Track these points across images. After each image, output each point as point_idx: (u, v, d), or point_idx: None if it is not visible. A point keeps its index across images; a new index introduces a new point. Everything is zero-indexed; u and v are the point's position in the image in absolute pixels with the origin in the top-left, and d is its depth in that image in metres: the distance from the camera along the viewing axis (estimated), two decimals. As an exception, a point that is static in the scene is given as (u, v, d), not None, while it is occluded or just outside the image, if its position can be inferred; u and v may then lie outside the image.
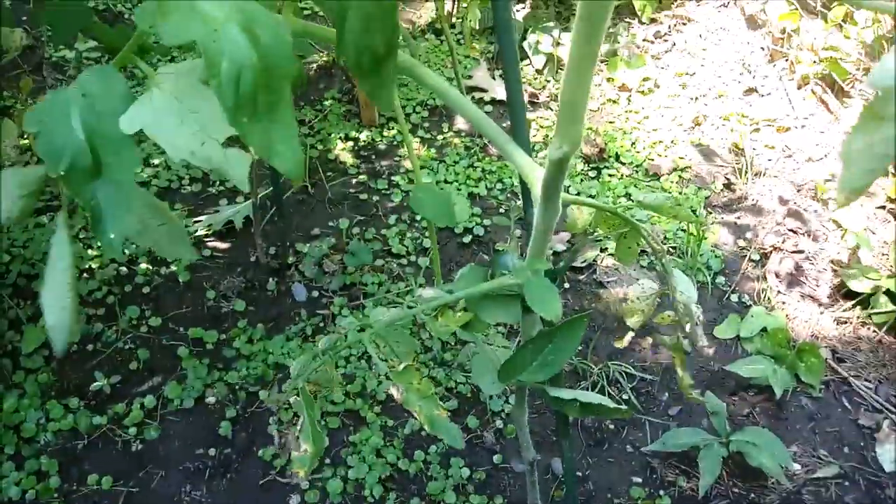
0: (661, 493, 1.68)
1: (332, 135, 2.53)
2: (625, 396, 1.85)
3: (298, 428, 1.09)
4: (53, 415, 1.75)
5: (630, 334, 1.32)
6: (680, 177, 2.42)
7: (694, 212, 2.29)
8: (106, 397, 1.80)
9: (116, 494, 1.64)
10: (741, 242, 2.22)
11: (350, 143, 2.52)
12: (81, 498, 1.63)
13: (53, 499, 1.63)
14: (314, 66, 2.78)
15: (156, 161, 2.39)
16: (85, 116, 0.72)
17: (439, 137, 2.55)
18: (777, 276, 2.09)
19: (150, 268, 2.10)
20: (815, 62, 2.64)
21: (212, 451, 1.72)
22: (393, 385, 1.02)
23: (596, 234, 1.15)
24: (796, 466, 1.71)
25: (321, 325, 1.98)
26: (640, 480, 1.70)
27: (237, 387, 1.83)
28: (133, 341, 1.92)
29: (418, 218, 2.28)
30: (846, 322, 1.99)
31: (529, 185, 0.92)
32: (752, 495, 1.67)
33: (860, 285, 1.98)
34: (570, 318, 0.95)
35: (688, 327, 1.00)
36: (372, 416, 1.78)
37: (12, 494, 1.62)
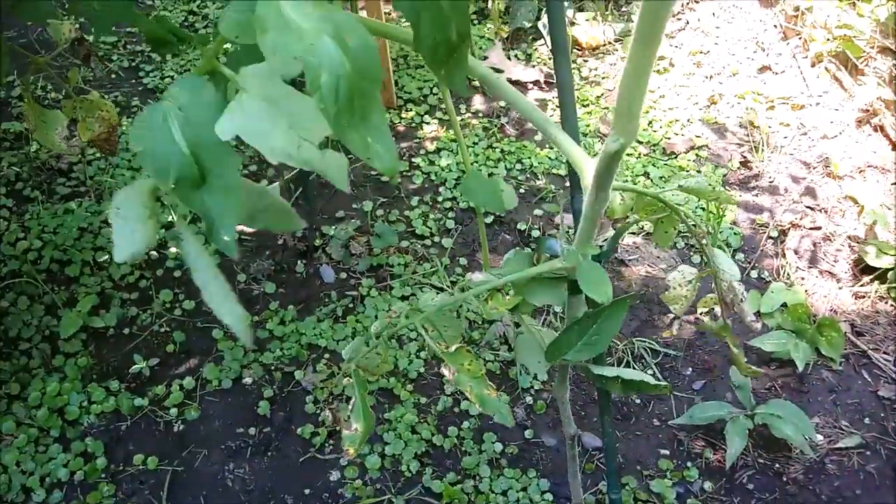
0: (689, 464, 1.73)
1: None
2: (650, 372, 1.90)
3: (349, 408, 1.13)
4: (95, 397, 1.80)
5: (677, 323, 1.36)
6: (697, 155, 2.46)
7: (713, 189, 2.33)
8: (145, 379, 1.85)
9: (162, 474, 1.69)
10: (759, 220, 2.26)
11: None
12: (128, 478, 1.68)
13: (101, 479, 1.68)
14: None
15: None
16: (184, 129, 0.75)
17: (458, 118, 2.58)
18: (796, 252, 2.13)
19: (181, 252, 2.13)
20: (828, 40, 2.66)
21: (252, 430, 1.77)
22: (444, 366, 1.07)
23: (631, 218, 1.18)
24: (819, 437, 1.76)
25: (350, 306, 2.02)
26: (667, 453, 1.76)
27: (272, 367, 1.88)
28: (168, 324, 1.96)
29: (440, 199, 2.32)
30: (864, 297, 2.04)
31: (580, 173, 0.96)
32: (777, 465, 1.73)
33: (878, 261, 2.02)
34: (614, 299, 0.99)
35: (737, 306, 1.04)
36: (405, 394, 1.83)
37: (61, 476, 1.67)
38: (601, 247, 1.05)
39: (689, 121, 2.58)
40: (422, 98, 2.66)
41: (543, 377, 1.85)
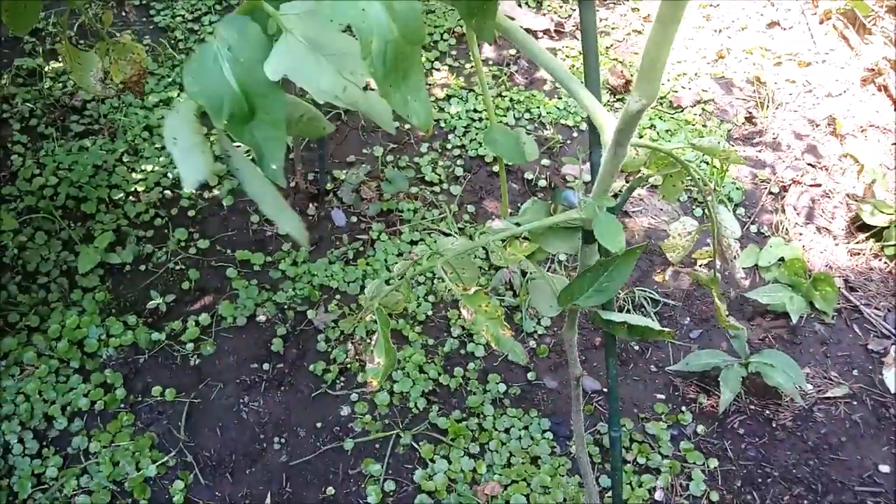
0: (683, 409, 1.81)
1: (363, 62, 2.57)
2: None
3: (373, 344, 1.19)
4: (114, 331, 1.86)
5: (670, 269, 1.42)
6: (703, 109, 2.49)
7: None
8: (162, 315, 1.91)
9: (180, 405, 1.76)
10: (761, 175, 2.31)
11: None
12: (147, 408, 1.75)
13: (120, 409, 1.75)
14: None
15: (191, 86, 2.43)
16: (234, 68, 0.80)
17: (467, 66, 2.60)
18: (795, 209, 2.18)
19: (194, 191, 2.17)
20: (838, -4, 2.67)
21: (265, 366, 1.84)
22: (462, 307, 1.13)
23: (644, 172, 1.23)
24: (809, 387, 1.84)
25: (361, 249, 2.07)
26: (663, 397, 1.84)
27: (285, 306, 1.94)
28: (183, 262, 2.02)
29: (449, 147, 2.35)
30: (859, 254, 2.10)
31: (600, 130, 1.01)
32: (767, 412, 1.81)
33: (874, 219, 2.08)
34: (630, 248, 1.04)
35: (730, 262, 1.10)
36: (414, 336, 1.90)
37: (82, 405, 1.74)
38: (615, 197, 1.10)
39: (696, 74, 2.60)
40: (432, 44, 2.67)
41: (551, 317, 1.92)
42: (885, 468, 1.72)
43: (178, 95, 2.40)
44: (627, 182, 1.54)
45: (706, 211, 1.19)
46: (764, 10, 2.81)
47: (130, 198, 2.14)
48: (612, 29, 2.78)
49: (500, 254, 1.16)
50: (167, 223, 2.09)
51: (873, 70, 2.53)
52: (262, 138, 0.82)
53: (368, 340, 1.87)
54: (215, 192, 2.18)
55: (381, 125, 0.80)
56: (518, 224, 1.13)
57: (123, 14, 1.24)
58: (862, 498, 1.67)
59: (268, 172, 0.82)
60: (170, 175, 2.19)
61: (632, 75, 2.53)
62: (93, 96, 2.28)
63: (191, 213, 2.12)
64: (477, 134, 2.38)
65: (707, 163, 2.26)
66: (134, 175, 2.19)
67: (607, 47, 2.70)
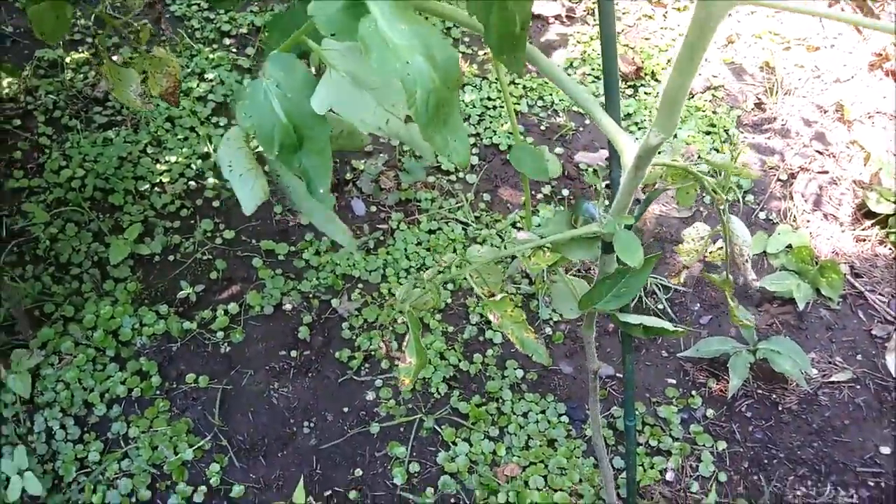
0: (693, 393, 1.89)
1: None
2: (660, 306, 2.04)
3: (405, 344, 1.26)
4: (146, 320, 1.94)
5: (685, 272, 1.49)
6: (713, 95, 2.54)
7: (727, 131, 2.42)
8: (192, 304, 1.99)
9: (213, 391, 1.84)
10: (770, 162, 2.36)
11: None
12: (181, 395, 1.84)
13: (156, 395, 1.83)
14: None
15: (210, 76, 2.49)
16: (282, 103, 0.87)
17: (480, 53, 2.64)
18: (803, 196, 2.24)
19: (218, 182, 2.24)
20: (847, -20, 2.70)
21: (293, 353, 1.91)
22: (489, 311, 1.20)
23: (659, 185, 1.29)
24: (814, 371, 1.92)
25: (381, 238, 2.14)
26: (674, 382, 1.92)
27: (310, 295, 2.01)
28: (210, 252, 2.09)
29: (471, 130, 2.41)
30: (865, 240, 2.16)
31: (620, 154, 1.07)
32: (774, 396, 1.89)
33: (879, 206, 2.14)
34: (648, 256, 1.11)
35: (742, 267, 1.17)
36: (434, 324, 1.97)
37: (119, 392, 1.82)
38: (633, 211, 1.16)
39: (707, 60, 2.64)
40: (444, 31, 2.71)
41: (573, 317, 2.00)
42: (885, 450, 1.80)
43: (198, 85, 2.45)
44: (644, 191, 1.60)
45: (721, 218, 1.26)
46: (773, -6, 2.83)
47: (156, 189, 2.20)
48: (624, 14, 2.82)
49: (525, 263, 1.23)
50: (193, 214, 2.16)
51: (881, 55, 2.57)
52: (310, 166, 0.90)
53: (392, 330, 1.95)
54: (238, 182, 2.24)
55: (422, 155, 0.87)
56: (542, 236, 1.20)
57: (161, 29, 1.29)
58: (863, 478, 1.75)
59: (316, 195, 0.89)
60: (193, 166, 2.26)
61: (643, 61, 2.58)
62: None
63: (215, 203, 2.19)
64: (491, 122, 2.43)
65: (717, 150, 2.32)
66: (158, 166, 2.25)
67: (618, 32, 2.74)
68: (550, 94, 2.52)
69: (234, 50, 2.57)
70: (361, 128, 0.86)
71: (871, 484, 1.74)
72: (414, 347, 1.25)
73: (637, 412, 1.85)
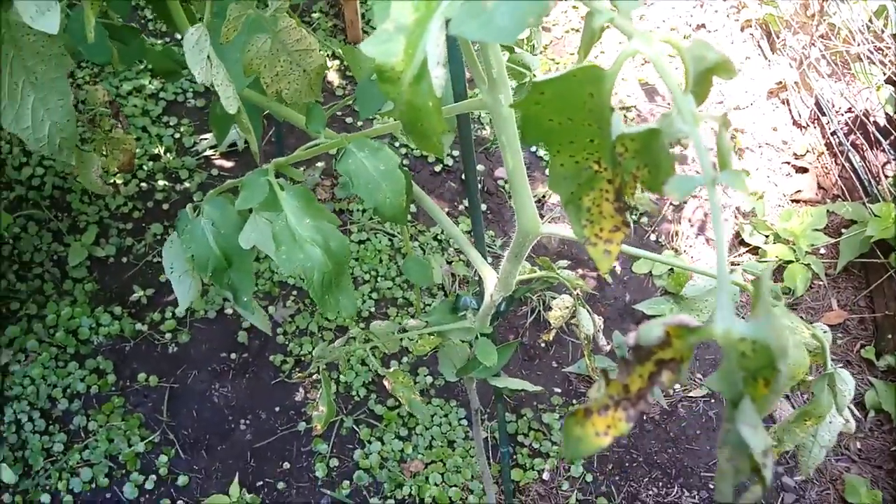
0: (575, 402, 2.24)
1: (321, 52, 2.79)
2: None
3: (319, 395, 1.56)
4: (103, 321, 2.19)
5: (554, 331, 1.80)
6: (625, 116, 2.79)
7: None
8: (143, 306, 2.24)
9: (162, 389, 2.13)
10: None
11: (336, 63, 2.79)
12: (134, 392, 2.12)
13: (112, 392, 2.11)
14: (303, -27, 2.96)
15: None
16: (216, 238, 1.14)
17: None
18: (689, 221, 2.55)
19: (167, 184, 2.45)
20: (760, 4, 2.93)
21: (233, 356, 2.20)
22: (385, 378, 1.50)
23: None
24: (676, 386, 2.27)
25: (315, 246, 2.40)
26: (559, 391, 2.26)
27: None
28: (159, 255, 2.33)
29: (397, 145, 2.64)
30: (738, 265, 2.49)
31: (484, 282, 1.34)
32: (641, 406, 2.24)
33: (751, 238, 2.46)
34: (504, 344, 1.41)
35: (591, 336, 1.49)
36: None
37: (79, 388, 2.09)
38: (498, 312, 1.44)
39: (623, 79, 2.88)
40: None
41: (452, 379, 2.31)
42: (714, 488, 2.18)
43: (150, 82, 2.61)
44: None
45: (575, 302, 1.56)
46: (694, 12, 3.06)
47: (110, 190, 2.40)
48: (553, 25, 3.02)
49: (414, 346, 1.52)
50: (144, 216, 2.38)
51: (780, 83, 2.84)
52: (237, 281, 1.18)
53: (321, 337, 2.23)
54: (186, 184, 2.46)
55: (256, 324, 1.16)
56: (428, 324, 1.49)
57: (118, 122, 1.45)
58: (706, 481, 2.14)
59: (240, 304, 1.18)
60: (145, 167, 2.46)
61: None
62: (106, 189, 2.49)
63: (165, 206, 2.41)
64: (422, 134, 2.66)
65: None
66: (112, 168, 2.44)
67: (545, 45, 2.95)
68: (477, 112, 2.74)
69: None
70: (276, 259, 1.13)
71: (711, 487, 2.13)
72: (326, 399, 1.54)
73: (525, 417, 2.19)
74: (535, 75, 1.27)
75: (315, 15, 2.88)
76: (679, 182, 0.42)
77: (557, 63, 2.88)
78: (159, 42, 2.74)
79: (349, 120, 2.67)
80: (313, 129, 1.12)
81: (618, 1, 0.51)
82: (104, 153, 1.57)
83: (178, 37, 2.79)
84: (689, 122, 0.44)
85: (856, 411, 2.24)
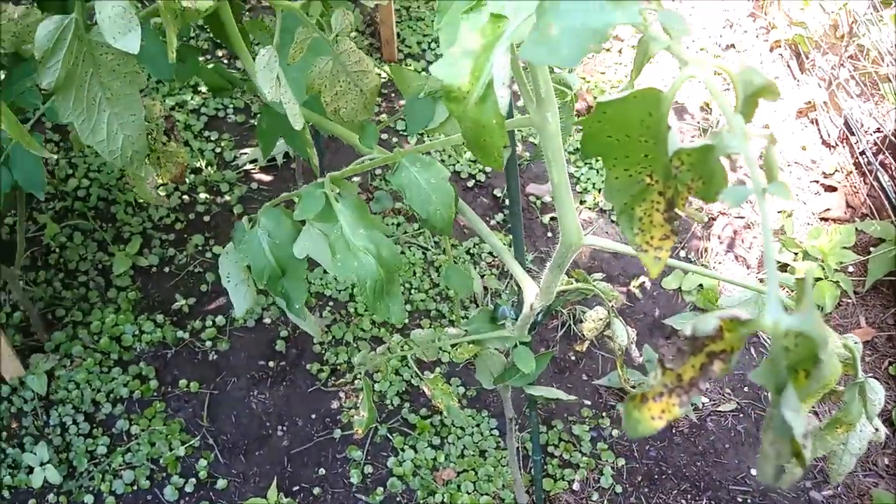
0: (604, 414, 2.27)
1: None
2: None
3: (360, 400, 1.61)
4: (146, 328, 2.26)
5: (587, 342, 1.84)
6: (655, 134, 2.83)
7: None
8: (185, 315, 2.31)
9: (202, 395, 2.19)
10: (696, 203, 2.69)
11: (373, 80, 2.86)
12: (175, 398, 2.18)
13: (154, 397, 2.18)
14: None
15: (203, 88, 2.74)
16: (272, 249, 1.20)
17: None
18: (719, 238, 2.59)
19: (209, 197, 2.53)
20: (789, 25, 2.97)
21: (271, 364, 2.26)
22: (425, 385, 1.55)
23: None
24: (705, 400, 2.30)
25: (351, 259, 2.46)
26: (589, 403, 2.29)
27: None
28: (200, 265, 2.40)
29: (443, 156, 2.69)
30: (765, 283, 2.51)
31: (524, 293, 1.39)
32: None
33: (779, 255, 2.48)
34: (540, 354, 1.45)
35: (625, 348, 1.53)
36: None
37: (122, 393, 2.16)
38: (535, 322, 1.48)
39: (653, 98, 2.92)
40: (420, 53, 2.96)
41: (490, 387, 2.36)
42: (755, 471, 2.20)
43: (192, 98, 2.70)
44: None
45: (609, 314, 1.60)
46: (724, 32, 3.10)
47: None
48: (584, 44, 3.07)
49: (453, 353, 1.57)
50: (186, 227, 2.46)
51: (809, 103, 2.87)
52: (290, 289, 1.24)
53: (356, 348, 2.29)
54: (227, 197, 2.53)
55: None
56: (467, 332, 1.54)
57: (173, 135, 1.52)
58: (734, 495, 2.16)
59: (293, 311, 1.25)
60: (187, 180, 2.54)
61: (595, 98, 2.85)
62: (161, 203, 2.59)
63: (206, 218, 2.49)
64: (455, 150, 2.72)
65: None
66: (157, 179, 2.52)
67: (578, 64, 3.00)
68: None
69: (226, 61, 2.81)
70: (330, 269, 1.19)
71: (740, 500, 2.15)
72: (366, 405, 1.60)
73: (555, 428, 2.23)
74: (576, 95, 1.32)
75: (352, 34, 2.95)
76: (734, 192, 0.47)
77: (588, 81, 2.94)
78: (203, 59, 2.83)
79: (384, 136, 2.74)
80: (366, 144, 1.18)
81: (671, 29, 0.56)
82: (159, 165, 1.64)
83: (219, 54, 2.88)
84: (740, 139, 0.49)
85: (884, 428, 2.25)
